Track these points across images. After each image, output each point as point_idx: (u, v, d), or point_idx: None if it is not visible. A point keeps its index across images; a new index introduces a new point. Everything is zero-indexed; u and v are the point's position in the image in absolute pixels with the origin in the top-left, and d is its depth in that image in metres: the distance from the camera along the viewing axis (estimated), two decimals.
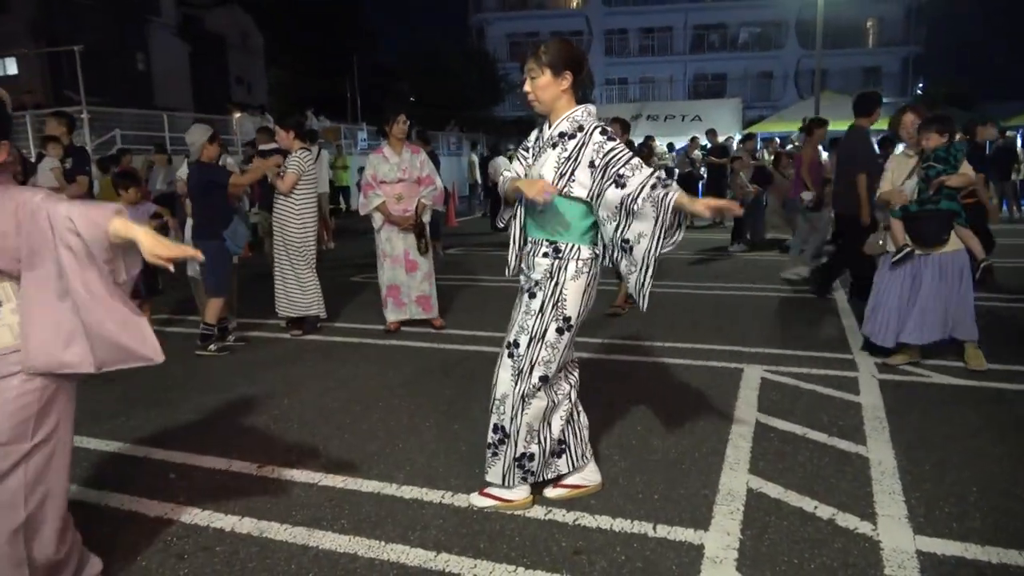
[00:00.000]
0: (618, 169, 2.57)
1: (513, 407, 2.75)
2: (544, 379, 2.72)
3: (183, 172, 6.32)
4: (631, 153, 2.63)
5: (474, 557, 2.54)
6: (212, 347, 5.35)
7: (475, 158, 21.01)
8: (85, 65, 13.59)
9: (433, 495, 3.01)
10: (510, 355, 2.76)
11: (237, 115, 20.19)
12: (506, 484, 2.83)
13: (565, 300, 2.69)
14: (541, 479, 2.86)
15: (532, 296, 2.75)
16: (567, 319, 2.71)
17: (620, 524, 2.74)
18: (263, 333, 5.97)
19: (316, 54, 38.05)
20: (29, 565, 2.02)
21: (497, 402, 2.80)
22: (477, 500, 2.91)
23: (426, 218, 5.88)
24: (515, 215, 2.86)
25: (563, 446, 2.89)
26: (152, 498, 3.03)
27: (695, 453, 3.38)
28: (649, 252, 2.57)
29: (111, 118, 14.45)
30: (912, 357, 4.69)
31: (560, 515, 2.82)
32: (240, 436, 3.74)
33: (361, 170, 16.01)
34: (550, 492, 2.95)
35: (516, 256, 2.89)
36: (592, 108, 2.77)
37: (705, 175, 14.27)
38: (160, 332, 5.93)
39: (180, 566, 2.53)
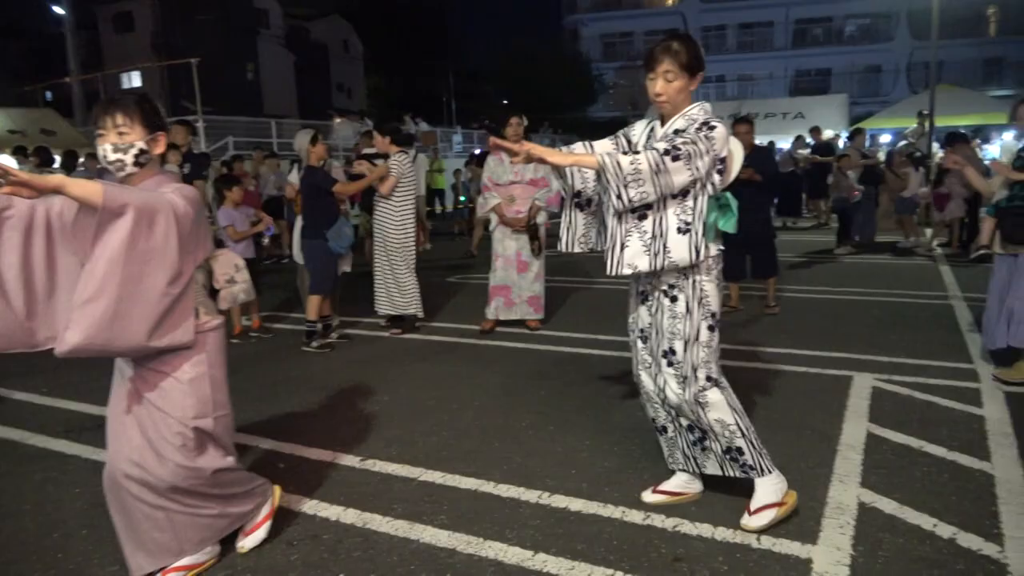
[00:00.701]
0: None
1: (693, 413, 2.70)
2: (709, 379, 2.68)
3: (294, 176, 6.61)
4: (697, 137, 2.51)
5: (572, 559, 2.53)
6: (314, 344, 5.56)
7: None
8: (200, 76, 14.42)
9: (530, 495, 3.02)
10: (669, 363, 2.71)
11: (338, 121, 20.95)
12: (731, 473, 2.74)
13: (708, 297, 2.66)
14: (763, 472, 2.70)
15: (674, 300, 2.69)
16: (714, 315, 2.68)
17: (722, 533, 2.66)
18: (364, 331, 6.17)
19: (411, 60, 39.02)
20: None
21: (673, 410, 2.80)
22: (751, 521, 2.67)
23: (540, 220, 5.91)
24: (578, 194, 2.80)
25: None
26: None
27: (801, 464, 3.24)
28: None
29: (224, 126, 15.31)
30: None
31: (659, 520, 2.77)
32: (343, 430, 3.87)
33: (456, 172, 16.37)
34: (648, 497, 2.91)
35: (571, 233, 2.87)
36: (707, 106, 2.68)
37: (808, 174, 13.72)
38: (268, 328, 6.24)
39: (290, 552, 2.64)
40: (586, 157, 2.58)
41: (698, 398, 2.66)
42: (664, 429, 2.92)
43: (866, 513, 2.78)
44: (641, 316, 2.84)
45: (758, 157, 5.99)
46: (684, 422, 2.81)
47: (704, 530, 2.69)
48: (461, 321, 6.37)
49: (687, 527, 2.71)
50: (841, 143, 15.00)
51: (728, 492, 2.96)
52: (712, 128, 2.54)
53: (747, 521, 2.69)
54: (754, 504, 2.70)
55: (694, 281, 2.65)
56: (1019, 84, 33.10)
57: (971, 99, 18.49)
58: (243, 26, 34.51)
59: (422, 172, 12.17)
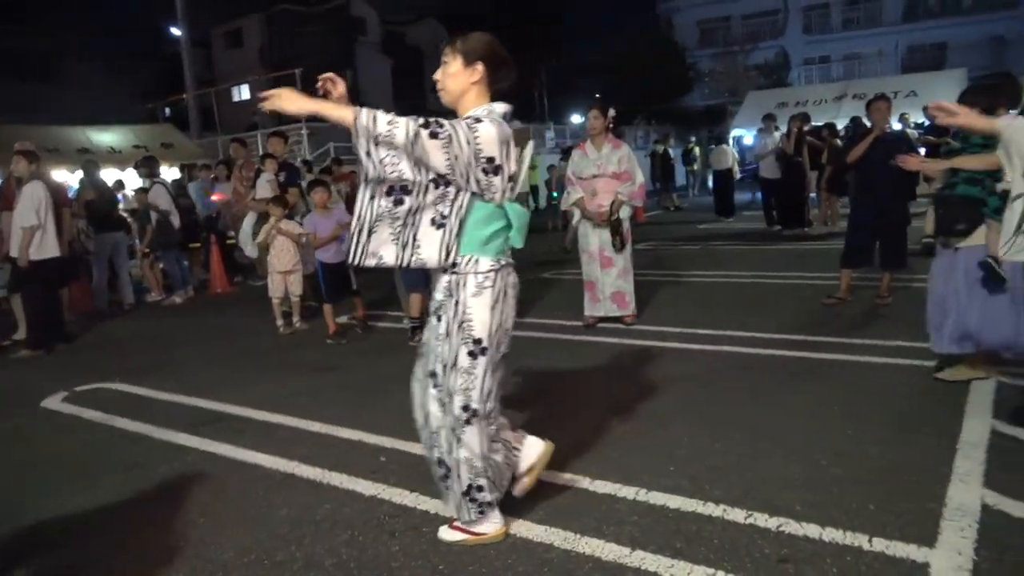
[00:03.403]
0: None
1: (447, 440, 2.54)
2: (466, 408, 2.46)
3: None
4: (460, 125, 2.31)
5: (671, 557, 2.48)
6: (416, 339, 5.70)
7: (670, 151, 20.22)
8: (303, 86, 15.07)
9: (627, 491, 2.99)
10: (434, 385, 2.55)
11: None
12: (465, 518, 2.62)
13: (471, 320, 2.42)
14: (493, 508, 2.64)
15: (439, 319, 2.51)
16: (477, 342, 2.43)
17: (830, 534, 2.54)
18: None
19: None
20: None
21: (434, 435, 2.60)
22: (446, 534, 2.69)
23: (624, 214, 5.83)
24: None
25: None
26: (367, 478, 3.29)
27: (919, 462, 3.06)
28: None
29: (326, 132, 15.94)
30: (976, 370, 3.94)
31: (763, 520, 2.68)
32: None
33: (550, 168, 16.35)
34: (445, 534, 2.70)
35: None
36: (498, 108, 2.49)
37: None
38: (372, 327, 6.45)
39: (392, 543, 2.72)
40: (338, 108, 2.31)
41: (455, 428, 2.49)
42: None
43: (991, 516, 2.59)
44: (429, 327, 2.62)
45: (890, 141, 5.66)
46: (436, 454, 2.62)
47: (811, 531, 2.58)
48: (558, 317, 6.37)
49: (792, 527, 2.61)
50: None
51: (841, 491, 2.83)
52: (478, 121, 2.35)
53: (442, 530, 2.70)
54: (459, 521, 2.66)
55: (457, 301, 2.44)
56: None
57: None
58: (342, 35, 35.79)
59: (525, 168, 12.25)
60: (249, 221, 7.71)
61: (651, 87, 31.39)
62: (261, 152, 10.31)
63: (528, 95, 37.32)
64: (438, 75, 2.51)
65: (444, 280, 2.48)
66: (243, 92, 33.33)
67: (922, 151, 12.86)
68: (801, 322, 5.57)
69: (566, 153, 14.97)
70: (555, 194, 15.21)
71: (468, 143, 2.31)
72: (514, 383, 4.59)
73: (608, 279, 5.90)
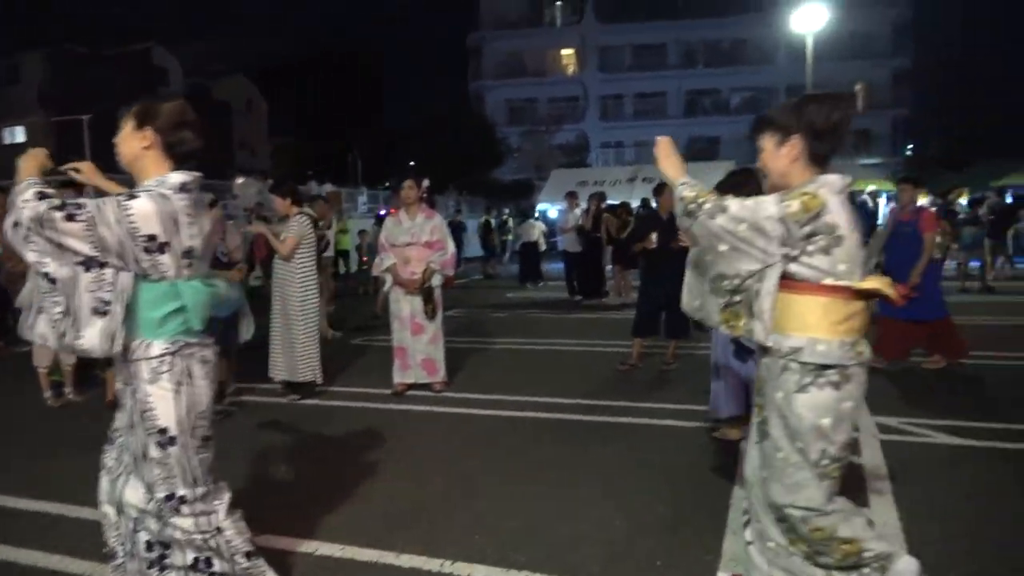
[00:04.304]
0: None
1: (157, 526, 2.33)
2: (171, 497, 2.28)
3: None
4: (107, 204, 2.13)
5: None
6: (217, 405, 5.32)
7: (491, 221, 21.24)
8: (93, 134, 13.89)
9: (433, 563, 2.96)
10: (134, 471, 2.35)
11: (240, 180, 20.50)
12: None
13: (152, 410, 2.24)
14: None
15: (121, 409, 2.38)
16: (163, 431, 2.24)
17: None
18: (260, 398, 5.95)
19: (319, 120, 39.05)
20: None
21: (128, 529, 2.39)
22: None
23: (435, 282, 5.93)
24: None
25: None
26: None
27: (698, 517, 3.34)
28: None
29: (120, 183, 14.74)
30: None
31: None
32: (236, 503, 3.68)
33: (361, 233, 16.25)
34: None
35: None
36: (173, 179, 2.27)
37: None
38: None
39: None
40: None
41: (160, 515, 2.30)
42: (114, 554, 2.48)
43: None
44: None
45: (673, 224, 6.22)
46: (121, 554, 2.43)
47: None
48: (366, 385, 6.26)
49: None
50: None
51: (630, 547, 3.00)
52: (133, 197, 2.16)
53: None
54: None
55: (134, 390, 2.26)
56: (886, 153, 36.38)
57: (842, 166, 19.93)
58: (140, 83, 33.65)
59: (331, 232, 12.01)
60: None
61: (464, 158, 32.55)
62: None
63: (341, 158, 37.15)
64: (116, 139, 2.34)
65: (122, 367, 2.30)
66: (17, 134, 30.07)
67: None
68: (598, 387, 5.93)
69: (379, 219, 15.02)
70: (367, 257, 15.14)
71: (118, 222, 2.10)
72: (320, 455, 4.43)
73: (419, 345, 5.93)
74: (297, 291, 5.74)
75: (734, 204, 2.23)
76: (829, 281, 2.17)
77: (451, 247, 6.03)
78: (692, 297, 2.59)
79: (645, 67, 39.61)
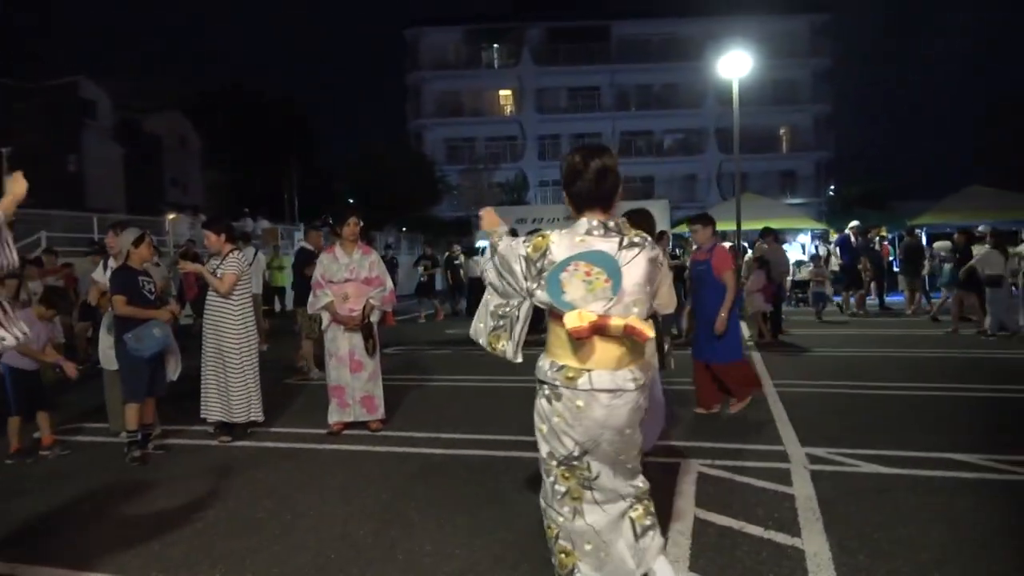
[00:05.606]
0: None
1: None
2: None
3: (100, 275, 6.10)
4: None
5: None
6: (136, 453, 5.10)
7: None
8: (14, 167, 13.34)
9: None
10: None
11: (171, 216, 19.99)
12: None
13: None
14: None
15: None
16: None
17: None
18: (189, 440, 5.72)
19: (253, 156, 38.51)
20: None
21: None
22: None
23: (374, 319, 5.86)
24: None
25: None
26: None
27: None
28: None
29: (37, 220, 14.19)
30: None
31: None
32: (166, 552, 3.52)
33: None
34: None
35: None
36: None
37: None
38: (72, 442, 5.65)
39: None
40: None
41: None
42: None
43: None
44: None
45: None
46: None
47: None
48: (300, 425, 6.10)
49: None
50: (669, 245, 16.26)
51: None
52: None
53: None
54: None
55: None
56: (810, 193, 38.09)
57: (771, 206, 20.90)
58: (67, 116, 32.65)
59: (259, 270, 11.81)
60: None
61: (404, 196, 32.50)
62: None
63: (277, 194, 36.63)
64: None
65: None
66: None
67: None
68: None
69: (302, 252, 14.77)
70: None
71: None
72: (251, 499, 4.27)
73: (358, 383, 5.82)
74: (234, 329, 5.60)
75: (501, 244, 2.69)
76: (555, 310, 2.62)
77: (389, 283, 5.99)
78: (477, 321, 3.07)
79: (580, 108, 40.60)
